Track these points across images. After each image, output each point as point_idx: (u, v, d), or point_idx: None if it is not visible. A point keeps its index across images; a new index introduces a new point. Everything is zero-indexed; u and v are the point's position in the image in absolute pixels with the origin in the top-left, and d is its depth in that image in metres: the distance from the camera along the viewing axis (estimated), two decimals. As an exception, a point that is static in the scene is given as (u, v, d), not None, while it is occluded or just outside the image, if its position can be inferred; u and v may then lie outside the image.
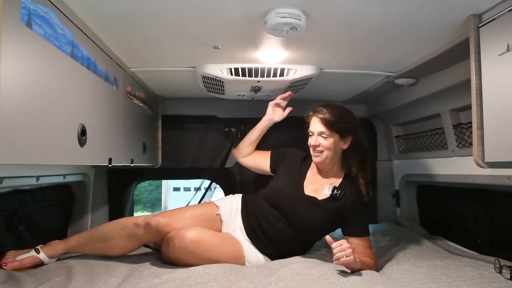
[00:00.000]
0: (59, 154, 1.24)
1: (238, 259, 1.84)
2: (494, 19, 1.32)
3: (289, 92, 2.29)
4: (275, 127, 2.71)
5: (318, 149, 1.91)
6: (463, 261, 1.83)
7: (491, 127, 1.34)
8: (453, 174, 2.14)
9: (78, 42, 1.36)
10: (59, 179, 2.09)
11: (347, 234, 1.88)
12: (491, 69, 1.34)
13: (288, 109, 2.32)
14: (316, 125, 1.91)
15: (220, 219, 1.99)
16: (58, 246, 1.87)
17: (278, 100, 2.29)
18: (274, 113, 2.32)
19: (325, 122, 1.88)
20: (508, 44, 1.26)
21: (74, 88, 1.33)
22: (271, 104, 2.31)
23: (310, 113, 1.96)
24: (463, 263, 1.78)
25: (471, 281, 1.53)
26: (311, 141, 1.93)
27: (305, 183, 2.00)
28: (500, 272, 1.60)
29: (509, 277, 1.54)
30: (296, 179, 2.02)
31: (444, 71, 1.95)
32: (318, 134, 1.90)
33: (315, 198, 1.92)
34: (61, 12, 1.24)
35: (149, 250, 2.16)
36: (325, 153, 1.91)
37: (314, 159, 1.95)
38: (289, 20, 1.33)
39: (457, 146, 2.09)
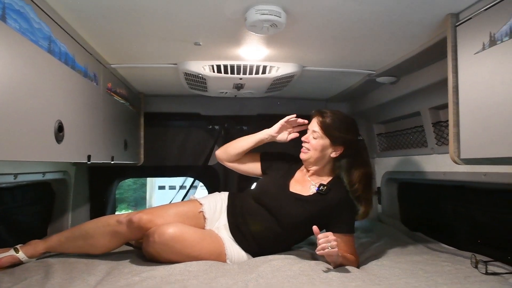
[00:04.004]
0: (35, 151, 1.22)
1: (219, 256, 1.84)
2: (470, 18, 1.35)
3: (304, 121, 2.05)
4: (261, 126, 2.74)
5: (306, 146, 1.95)
6: (441, 256, 1.86)
7: (467, 124, 1.37)
8: (432, 171, 2.18)
9: (56, 37, 1.34)
10: (38, 177, 2.06)
11: (331, 230, 1.86)
12: (467, 68, 1.36)
13: (294, 135, 2.07)
14: (313, 123, 1.96)
15: (204, 216, 1.97)
16: (38, 245, 1.84)
17: (290, 119, 2.05)
18: (280, 132, 2.07)
19: (321, 123, 1.92)
20: (483, 43, 1.28)
21: (51, 84, 1.31)
22: (282, 121, 2.04)
23: (313, 112, 1.98)
24: (441, 259, 1.81)
25: (448, 275, 1.56)
26: (304, 136, 1.98)
27: (292, 181, 2.01)
28: (476, 267, 1.64)
29: (484, 272, 1.57)
30: (283, 177, 2.02)
31: (423, 69, 1.98)
32: (311, 133, 1.94)
33: (300, 195, 1.93)
34: (38, 6, 1.22)
35: (130, 248, 2.14)
36: (311, 153, 1.93)
37: (300, 154, 1.98)
38: (269, 17, 1.33)
39: (436, 144, 2.13)
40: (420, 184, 2.48)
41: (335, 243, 1.60)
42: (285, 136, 2.07)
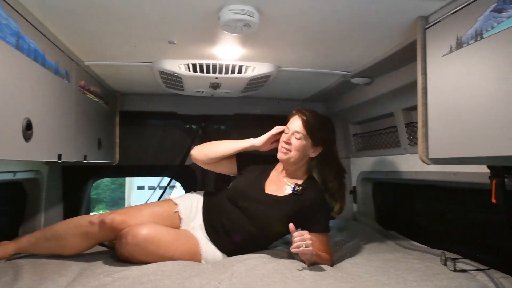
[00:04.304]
0: (2, 149, 1.19)
1: (194, 257, 1.83)
2: (439, 21, 1.38)
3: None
4: (238, 125, 2.75)
5: (287, 146, 1.91)
6: (412, 254, 1.90)
7: (435, 125, 1.40)
8: (405, 171, 2.23)
9: (25, 33, 1.31)
10: (9, 176, 2.01)
11: (306, 229, 1.85)
12: (436, 70, 1.40)
13: (275, 144, 2.02)
14: (295, 123, 1.91)
15: (179, 216, 1.96)
16: (7, 247, 1.80)
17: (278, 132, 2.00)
18: (265, 145, 2.03)
19: (304, 123, 1.89)
20: (451, 46, 1.32)
21: (18, 81, 1.29)
22: (269, 134, 2.00)
23: (294, 112, 1.95)
24: (412, 256, 1.85)
25: (417, 273, 1.60)
26: (284, 137, 1.93)
27: (267, 182, 2.00)
28: (445, 264, 1.68)
29: (453, 269, 1.61)
30: (258, 178, 2.02)
31: (397, 71, 2.02)
32: (293, 133, 1.90)
33: (275, 196, 1.93)
34: (5, 2, 1.20)
35: (103, 248, 2.11)
36: (292, 153, 1.90)
37: (279, 154, 1.94)
38: (242, 17, 1.34)
39: (409, 144, 2.18)
40: (393, 184, 2.53)
41: (310, 241, 1.62)
42: (268, 146, 2.04)
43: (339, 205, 1.93)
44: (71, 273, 1.63)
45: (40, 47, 1.42)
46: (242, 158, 2.12)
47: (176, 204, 1.99)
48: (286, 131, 1.94)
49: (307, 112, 1.93)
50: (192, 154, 2.11)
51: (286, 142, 1.91)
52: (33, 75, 1.39)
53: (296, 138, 1.89)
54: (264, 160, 2.10)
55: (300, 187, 1.91)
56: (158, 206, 2.00)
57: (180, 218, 1.96)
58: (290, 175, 1.99)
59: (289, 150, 1.91)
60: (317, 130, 1.90)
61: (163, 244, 1.75)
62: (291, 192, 1.92)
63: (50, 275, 1.58)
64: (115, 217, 1.79)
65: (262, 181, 2.00)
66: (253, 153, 2.13)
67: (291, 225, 1.66)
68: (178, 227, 1.95)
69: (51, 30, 1.53)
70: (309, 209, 1.87)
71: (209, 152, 2.07)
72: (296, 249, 1.61)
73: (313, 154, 1.94)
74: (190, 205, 2.01)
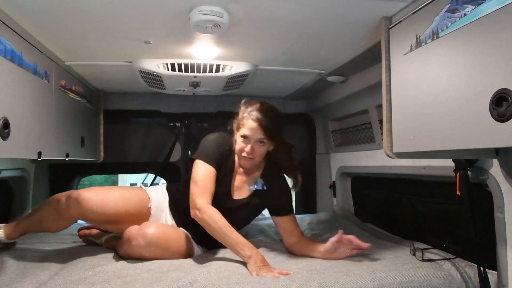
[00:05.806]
0: (-22, 147, 1.23)
1: (190, 251, 1.88)
2: (401, 21, 1.44)
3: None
4: (220, 123, 2.79)
5: (251, 156, 1.83)
6: (385, 245, 1.97)
7: (398, 120, 1.46)
8: (379, 166, 2.29)
9: (0, 35, 1.34)
10: (-7, 175, 2.05)
11: (276, 214, 1.96)
12: (398, 68, 1.45)
13: None
14: (255, 131, 1.78)
15: (150, 212, 1.94)
16: (11, 227, 1.91)
17: None
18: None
19: (265, 129, 1.78)
20: (411, 44, 1.38)
21: (-5, 81, 1.32)
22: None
23: (246, 115, 1.81)
24: (385, 247, 1.92)
25: (387, 263, 1.66)
26: (246, 147, 1.81)
27: (233, 186, 1.95)
28: (414, 254, 1.75)
29: (421, 259, 1.68)
30: (224, 184, 1.93)
31: (369, 69, 2.07)
32: (256, 142, 1.81)
33: (243, 200, 1.94)
34: (-20, 5, 1.23)
35: (84, 244, 2.16)
36: (257, 159, 1.86)
37: (243, 163, 1.88)
38: (211, 18, 1.38)
39: (382, 139, 2.23)
40: (370, 178, 2.60)
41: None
42: None
43: (294, 180, 1.98)
44: (53, 267, 1.67)
45: (17, 48, 1.46)
46: (215, 164, 1.88)
47: (149, 199, 1.95)
48: (243, 137, 1.81)
49: (261, 113, 1.79)
50: (197, 219, 1.77)
51: (249, 152, 1.81)
52: (10, 75, 1.42)
53: (259, 144, 1.82)
54: (224, 158, 1.93)
55: (263, 182, 1.96)
56: (130, 191, 1.98)
57: (150, 214, 1.94)
58: (249, 171, 1.96)
59: (253, 158, 1.84)
60: (275, 129, 1.83)
61: (172, 240, 1.80)
62: (255, 189, 1.96)
63: (32, 270, 1.61)
64: (81, 191, 1.82)
65: (228, 188, 1.94)
66: (218, 154, 1.90)
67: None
68: (147, 219, 1.92)
69: (28, 31, 1.57)
70: (275, 196, 1.96)
71: (212, 230, 1.73)
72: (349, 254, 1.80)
73: (271, 148, 1.89)
74: (160, 201, 1.99)
